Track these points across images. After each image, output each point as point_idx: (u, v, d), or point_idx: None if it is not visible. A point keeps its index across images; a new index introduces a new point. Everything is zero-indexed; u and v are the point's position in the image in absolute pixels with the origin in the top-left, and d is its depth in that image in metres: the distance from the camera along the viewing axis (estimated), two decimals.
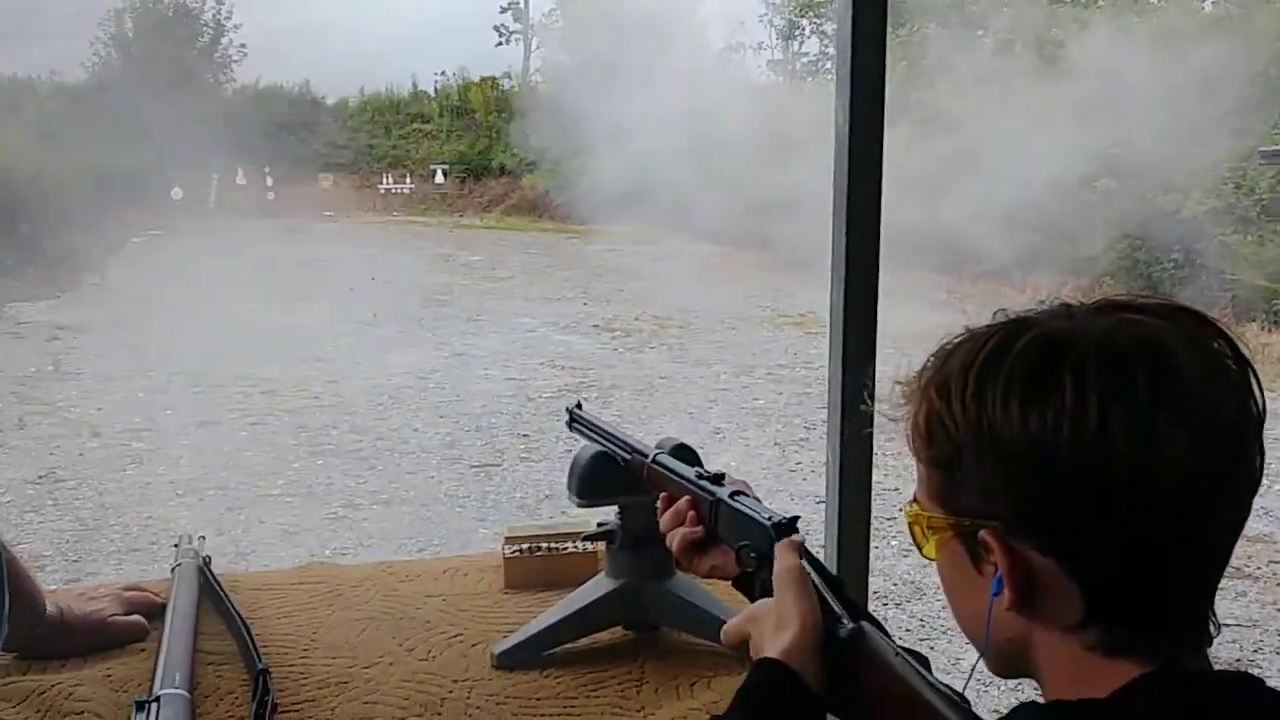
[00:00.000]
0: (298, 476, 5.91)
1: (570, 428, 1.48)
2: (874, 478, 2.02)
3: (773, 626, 0.95)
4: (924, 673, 0.91)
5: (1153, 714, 0.69)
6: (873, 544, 4.83)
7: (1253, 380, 0.74)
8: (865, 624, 0.97)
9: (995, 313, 0.79)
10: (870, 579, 4.62)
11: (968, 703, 0.89)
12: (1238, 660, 3.58)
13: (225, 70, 28.18)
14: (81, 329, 10.05)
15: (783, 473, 6.07)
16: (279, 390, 7.79)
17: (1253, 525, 4.94)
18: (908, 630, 4.13)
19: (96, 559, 4.68)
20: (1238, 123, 11.52)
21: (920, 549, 0.84)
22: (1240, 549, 4.06)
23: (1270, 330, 9.61)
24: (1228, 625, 3.94)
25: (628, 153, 23.25)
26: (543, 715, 1.24)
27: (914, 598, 4.40)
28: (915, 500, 0.82)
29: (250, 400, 7.51)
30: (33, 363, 8.49)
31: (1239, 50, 12.04)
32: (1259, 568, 4.47)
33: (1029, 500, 0.72)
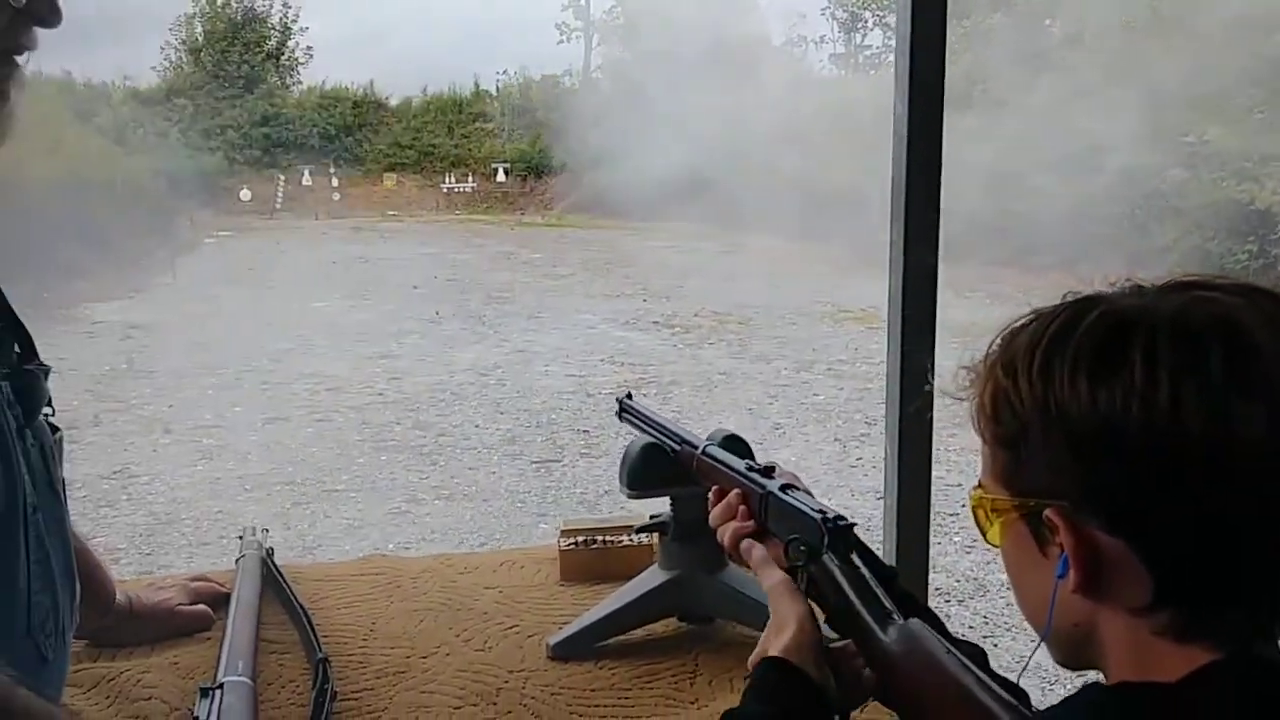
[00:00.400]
0: (361, 472, 5.99)
1: (620, 418, 1.48)
2: (936, 473, 2.01)
3: (772, 632, 0.99)
4: (973, 668, 0.91)
5: (1224, 702, 0.67)
6: (935, 540, 4.78)
7: None
8: (915, 620, 0.96)
9: (1065, 295, 0.77)
10: (933, 575, 4.58)
11: (1025, 695, 0.88)
12: None
13: (292, 73, 28.72)
14: (154, 328, 10.28)
15: (843, 468, 6.02)
16: (344, 387, 7.91)
17: None
18: (970, 627, 4.08)
19: (168, 552, 4.78)
20: None
21: (984, 534, 0.82)
22: None
23: None
24: None
25: (688, 149, 23.25)
26: (597, 706, 1.25)
27: (977, 594, 4.35)
28: (980, 484, 0.81)
29: (316, 397, 7.63)
30: (107, 361, 8.71)
31: None
32: None
33: (1096, 478, 0.71)
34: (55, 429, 1.09)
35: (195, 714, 1.16)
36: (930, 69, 1.97)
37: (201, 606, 1.49)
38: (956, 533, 4.77)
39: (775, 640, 0.96)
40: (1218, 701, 0.67)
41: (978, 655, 1.02)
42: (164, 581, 1.55)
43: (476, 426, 6.93)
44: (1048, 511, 0.74)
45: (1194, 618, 0.70)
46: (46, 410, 1.08)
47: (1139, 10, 14.84)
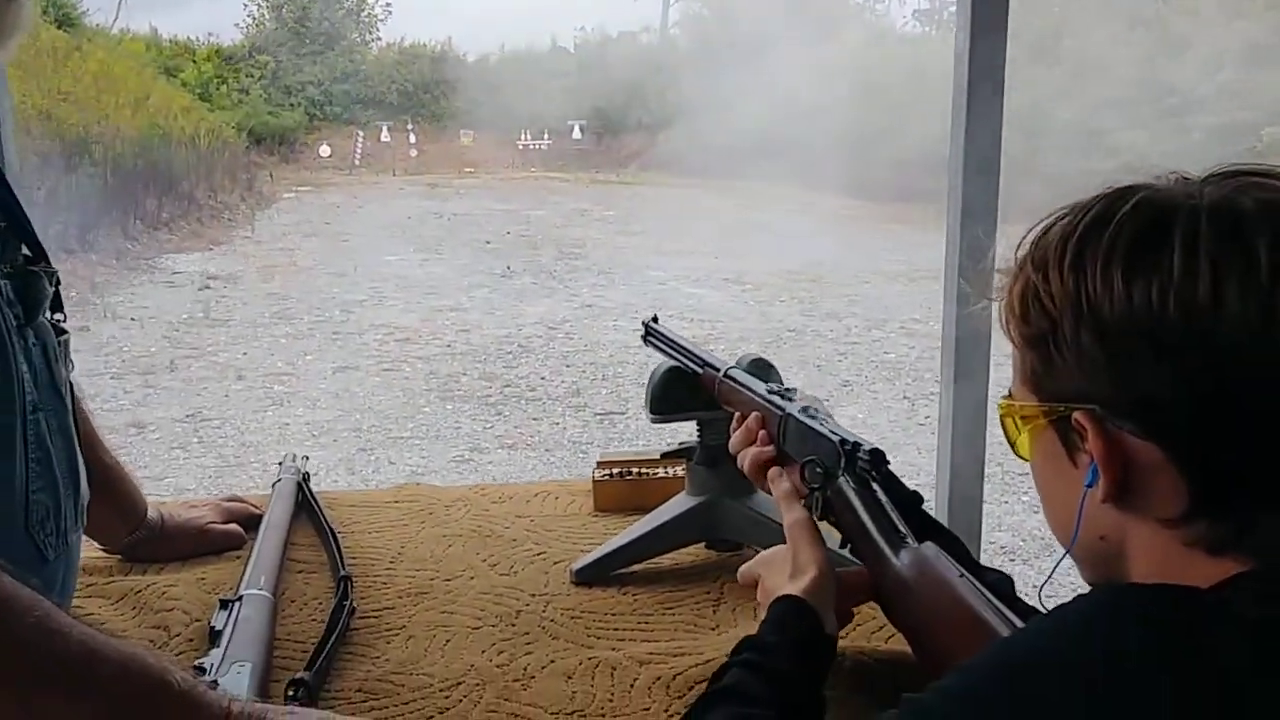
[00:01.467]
0: (427, 420, 6.05)
1: (645, 342, 1.45)
2: (997, 432, 1.95)
3: (790, 573, 0.98)
4: (987, 594, 0.88)
5: (1249, 609, 0.62)
6: (1004, 499, 4.67)
7: None
8: (930, 544, 0.93)
9: (1106, 186, 0.72)
10: (999, 534, 4.47)
11: None
12: None
13: (371, 30, 28.93)
14: (232, 279, 10.48)
15: (911, 425, 5.94)
16: (413, 338, 7.99)
17: None
18: (1034, 586, 3.99)
19: (236, 493, 4.88)
20: None
21: (1013, 446, 0.78)
22: None
23: None
24: None
25: (766, 107, 23.00)
26: (616, 630, 1.23)
27: (1043, 554, 4.25)
28: (1009, 393, 0.77)
29: (385, 347, 7.72)
30: (185, 310, 8.90)
31: None
32: None
33: (1129, 378, 0.66)
34: (62, 331, 1.09)
35: (212, 624, 1.16)
36: (993, 18, 1.92)
37: (233, 525, 1.50)
38: (1025, 492, 4.67)
39: (795, 582, 0.96)
40: (1243, 608, 0.62)
41: (1004, 583, 0.98)
42: (198, 501, 1.56)
43: (542, 379, 6.95)
44: (1077, 415, 0.69)
45: (1230, 528, 0.65)
46: (58, 316, 1.09)
47: None
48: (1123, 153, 12.78)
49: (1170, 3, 14.64)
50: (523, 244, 12.98)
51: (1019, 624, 0.83)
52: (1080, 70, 15.21)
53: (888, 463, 0.99)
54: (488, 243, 13.08)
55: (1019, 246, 0.74)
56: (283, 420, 6.03)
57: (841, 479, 1.01)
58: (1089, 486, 0.70)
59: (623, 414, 5.95)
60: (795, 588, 0.95)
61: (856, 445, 1.00)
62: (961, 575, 0.89)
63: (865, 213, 16.14)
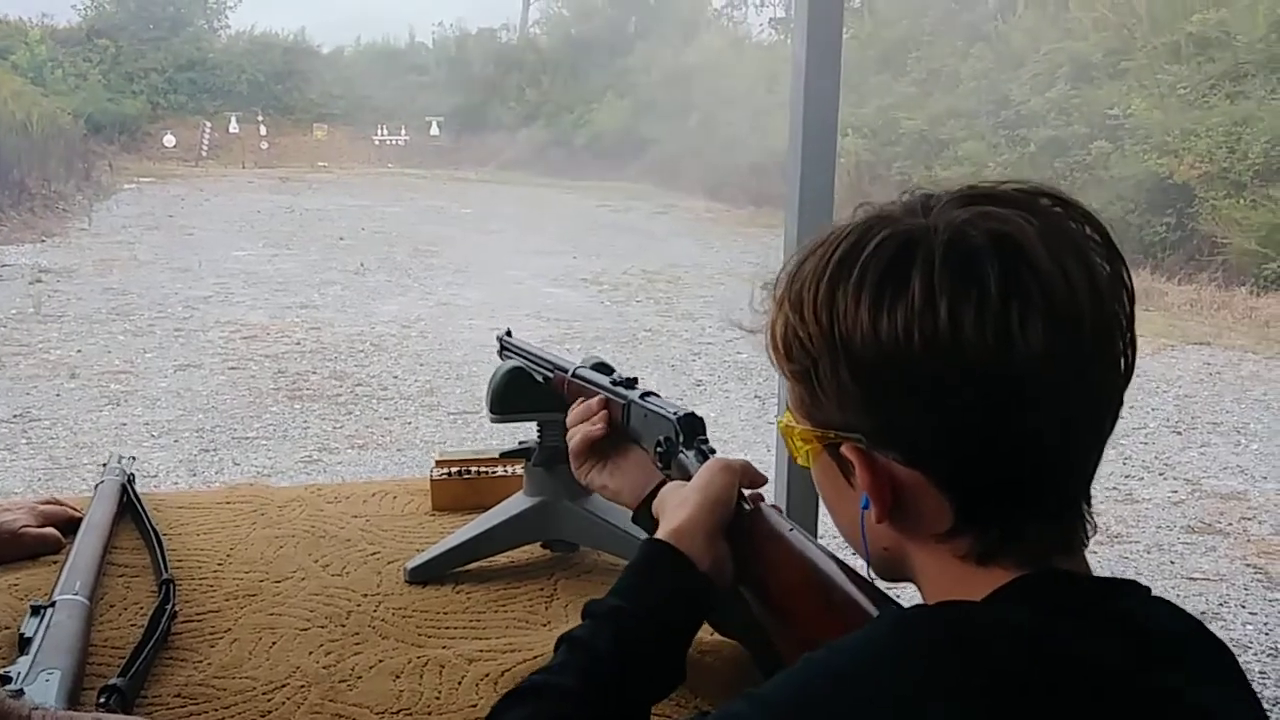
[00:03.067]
0: (274, 420, 5.89)
1: (501, 356, 1.46)
2: None
3: (672, 507, 0.95)
4: (819, 544, 0.90)
5: (1024, 614, 0.67)
6: None
7: (1121, 267, 0.70)
8: (766, 504, 0.96)
9: (856, 208, 0.75)
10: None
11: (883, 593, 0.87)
12: (1203, 612, 3.59)
13: (220, 17, 27.93)
14: (66, 273, 9.99)
15: (761, 424, 6.05)
16: (260, 336, 7.76)
17: (1226, 482, 4.96)
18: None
19: (64, 497, 4.66)
20: (1232, 87, 11.43)
21: (795, 459, 0.81)
22: (1213, 505, 4.04)
23: (1259, 294, 9.57)
24: (1194, 579, 3.95)
25: (624, 108, 23.13)
26: (449, 628, 1.22)
27: None
28: (787, 410, 0.80)
29: (231, 345, 7.48)
30: (14, 305, 8.44)
31: (1237, 13, 11.92)
32: (1229, 524, 4.47)
33: (886, 411, 0.69)
34: None
35: (22, 632, 1.11)
36: (829, 23, 1.97)
37: (49, 529, 1.44)
38: None
39: (669, 519, 0.93)
40: (1014, 615, 0.66)
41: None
42: (10, 503, 1.49)
43: (395, 378, 6.85)
44: (843, 447, 0.73)
45: (994, 540, 0.70)
46: None
47: None
48: (965, 162, 13.30)
49: (1008, 20, 15.30)
50: (377, 241, 12.74)
51: (850, 571, 0.85)
52: (926, 81, 15.78)
53: (704, 429, 1.04)
54: (341, 239, 12.80)
55: (776, 283, 0.76)
56: (119, 420, 5.78)
57: (682, 454, 1.04)
58: (864, 509, 0.73)
59: (476, 414, 5.90)
60: (666, 528, 0.92)
61: (689, 415, 1.04)
62: (792, 529, 0.91)
63: (724, 215, 16.38)
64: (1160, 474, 5.17)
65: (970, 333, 0.65)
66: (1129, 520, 4.58)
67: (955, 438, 0.67)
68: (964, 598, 0.70)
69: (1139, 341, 0.72)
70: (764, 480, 0.97)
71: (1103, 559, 4.15)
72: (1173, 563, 4.10)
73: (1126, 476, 5.13)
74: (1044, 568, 0.69)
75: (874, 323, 0.67)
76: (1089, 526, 0.72)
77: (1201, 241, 10.50)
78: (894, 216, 0.71)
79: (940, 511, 0.70)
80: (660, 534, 0.91)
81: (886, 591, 0.82)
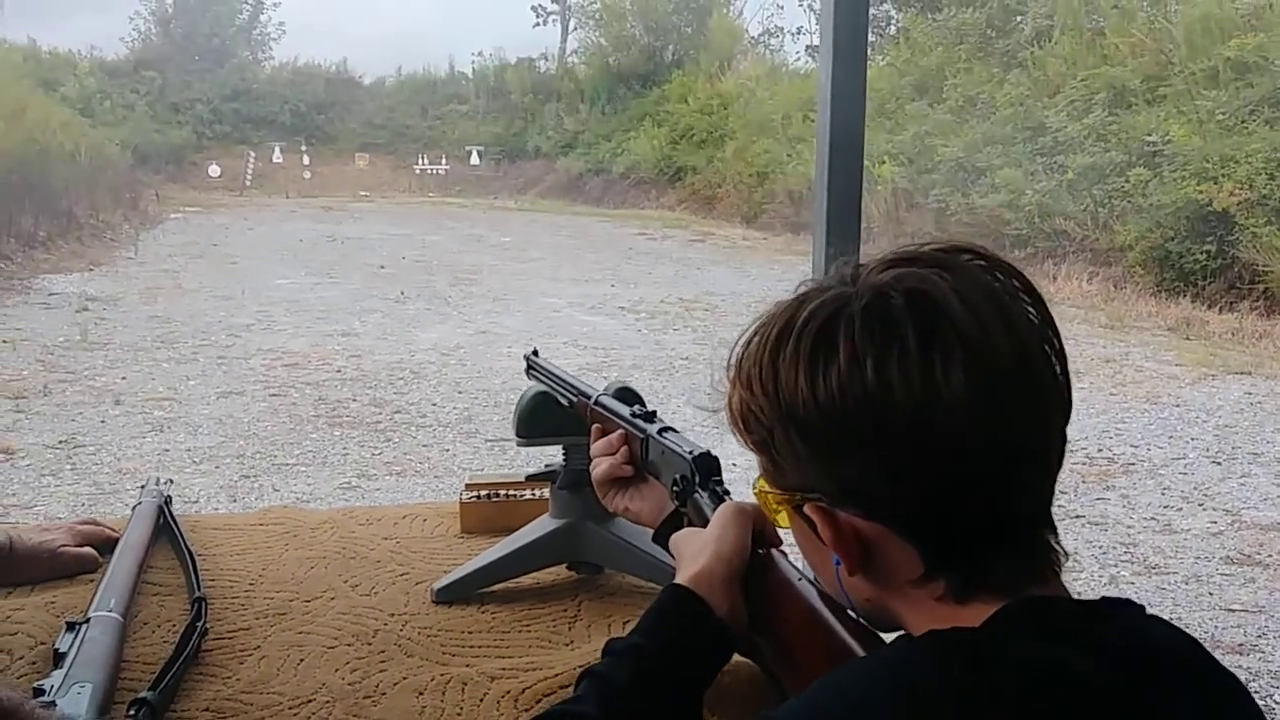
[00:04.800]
0: (314, 447, 5.95)
1: (528, 375, 1.49)
2: None
3: (691, 554, 0.98)
4: (826, 593, 0.92)
5: (1027, 638, 0.68)
6: None
7: (1045, 311, 0.74)
8: (775, 550, 0.98)
9: (798, 285, 0.80)
10: None
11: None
12: (1241, 644, 3.53)
13: (264, 48, 28.51)
14: (112, 301, 10.17)
15: None
16: (302, 363, 7.85)
17: (1266, 513, 4.89)
18: None
19: (112, 517, 4.73)
20: (1271, 112, 11.31)
21: (776, 522, 0.87)
22: (1253, 536, 3.97)
23: None
24: (1233, 610, 3.88)
25: (661, 136, 23.25)
26: (472, 647, 1.24)
27: None
28: (760, 477, 0.84)
29: (273, 372, 7.57)
30: (62, 333, 8.60)
31: (1276, 38, 11.82)
32: (1270, 555, 4.40)
33: (839, 469, 0.74)
34: None
35: (56, 647, 1.14)
36: (853, 52, 2.00)
37: (87, 549, 1.47)
38: None
39: (688, 566, 0.96)
40: (1011, 640, 0.68)
41: None
42: (50, 525, 1.53)
43: (434, 405, 6.90)
44: (806, 507, 0.77)
45: (965, 579, 0.72)
46: None
47: (1105, 8, 14.93)
48: (1001, 189, 13.24)
49: (1044, 47, 15.25)
50: (417, 269, 12.88)
51: (859, 624, 0.87)
52: (962, 109, 15.74)
53: (719, 469, 1.06)
54: (382, 267, 12.95)
55: (729, 358, 0.82)
56: (162, 446, 5.87)
57: (697, 494, 1.06)
58: (838, 564, 0.78)
59: (513, 440, 5.92)
60: (685, 574, 0.94)
61: (704, 455, 1.05)
62: (801, 578, 0.93)
63: (760, 243, 16.41)
64: (1199, 504, 5.11)
65: (898, 386, 0.69)
66: (1167, 551, 4.52)
67: (903, 488, 0.71)
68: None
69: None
70: (773, 527, 0.97)
71: (1140, 590, 4.10)
72: (1211, 594, 4.04)
73: (1165, 507, 5.07)
74: (1021, 597, 0.71)
75: (812, 388, 0.72)
76: (1059, 555, 0.75)
77: (1242, 269, 10.37)
78: (824, 287, 0.77)
79: (909, 559, 0.73)
80: (680, 579, 0.94)
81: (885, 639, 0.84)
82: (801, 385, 0.72)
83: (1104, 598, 0.73)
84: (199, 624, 1.23)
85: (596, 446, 1.20)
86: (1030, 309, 0.73)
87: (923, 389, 0.68)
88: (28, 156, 13.46)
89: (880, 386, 0.69)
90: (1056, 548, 0.74)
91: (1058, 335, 0.74)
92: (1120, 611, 0.72)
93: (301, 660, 1.20)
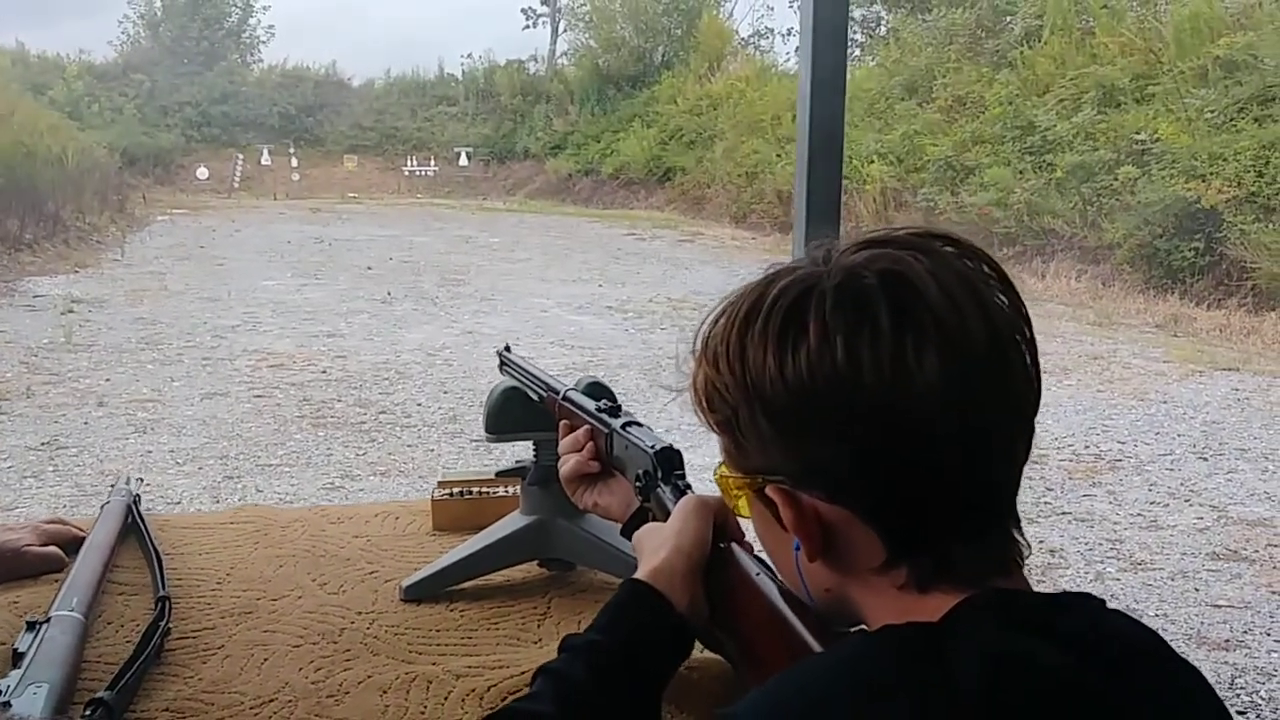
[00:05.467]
0: (298, 447, 5.92)
1: (501, 370, 1.48)
2: None
3: (651, 548, 0.96)
4: (787, 588, 0.90)
5: (990, 631, 0.67)
6: None
7: (1017, 298, 0.72)
8: (735, 544, 0.96)
9: (767, 268, 0.78)
10: None
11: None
12: (1227, 640, 3.53)
13: (253, 51, 28.46)
14: (98, 303, 10.12)
15: None
16: (287, 364, 7.82)
17: (1253, 509, 4.89)
18: None
19: (77, 518, 4.70)
20: (1260, 110, 11.34)
21: (735, 509, 0.85)
22: (1239, 532, 3.97)
23: None
24: (1219, 606, 3.88)
25: (650, 137, 23.25)
26: (440, 645, 1.23)
27: None
28: (721, 463, 0.82)
29: (257, 373, 7.54)
30: (46, 335, 8.55)
31: (1265, 37, 11.85)
32: (1256, 551, 4.40)
33: (803, 450, 0.72)
34: None
35: (16, 647, 1.12)
36: (832, 47, 1.99)
37: (52, 548, 1.45)
38: None
39: (647, 560, 0.94)
40: (972, 631, 0.67)
41: None
42: (15, 524, 1.51)
43: (419, 405, 6.87)
44: (768, 489, 0.75)
45: (928, 567, 0.71)
46: None
47: (1095, 8, 14.97)
48: (990, 188, 13.26)
49: (1033, 47, 15.28)
50: (405, 270, 12.85)
51: (815, 620, 0.85)
52: (951, 108, 15.76)
53: (681, 464, 1.04)
54: (369, 268, 12.92)
55: (695, 338, 0.80)
56: (145, 448, 5.83)
57: (659, 488, 1.05)
58: (797, 550, 0.75)
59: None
60: (644, 569, 0.92)
61: (666, 449, 1.04)
62: (759, 573, 0.92)
63: (749, 243, 16.41)
64: (1186, 500, 5.11)
65: (868, 368, 0.67)
66: (1153, 547, 4.52)
67: (870, 471, 0.69)
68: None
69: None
70: (735, 521, 0.95)
71: (1126, 586, 4.09)
72: (1197, 590, 4.03)
73: (1151, 503, 5.07)
74: (985, 588, 0.70)
75: (780, 366, 0.70)
76: (1022, 547, 0.73)
77: (1230, 266, 10.40)
78: (794, 267, 0.75)
79: (871, 545, 0.72)
80: (639, 574, 0.92)
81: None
82: (769, 363, 0.71)
83: (1064, 591, 0.72)
84: (161, 623, 1.21)
85: (564, 443, 1.18)
86: (1002, 296, 0.72)
87: (893, 371, 0.67)
88: (14, 160, 13.41)
89: (850, 366, 0.67)
90: (1020, 540, 0.73)
91: (1029, 324, 0.72)
92: (1082, 604, 0.71)
93: (265, 659, 1.18)
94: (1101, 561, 4.38)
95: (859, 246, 0.74)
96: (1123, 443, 6.03)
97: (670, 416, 6.63)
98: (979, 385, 0.68)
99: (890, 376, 0.67)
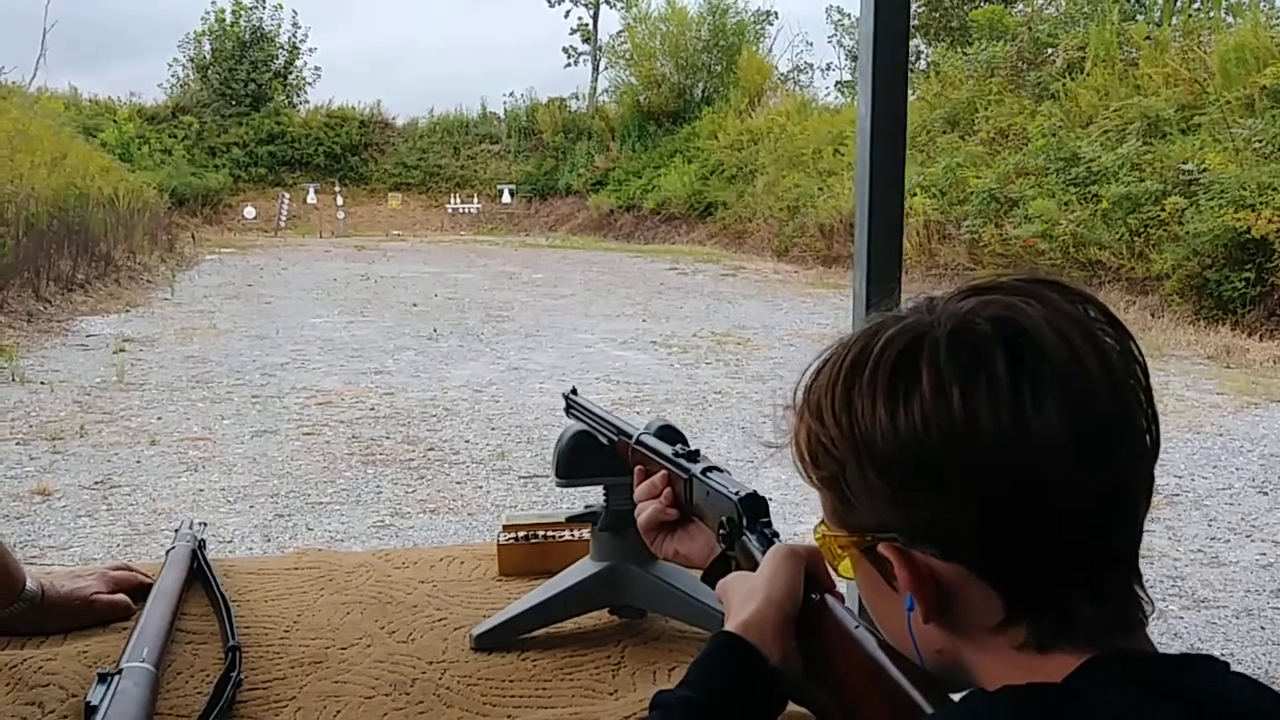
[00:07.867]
0: (348, 485, 5.94)
1: (567, 414, 1.46)
2: None
3: (740, 599, 0.93)
4: (886, 641, 0.87)
5: (1116, 693, 0.64)
6: None
7: (1131, 344, 0.70)
8: (829, 596, 0.93)
9: (869, 317, 0.76)
10: None
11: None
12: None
13: (299, 92, 28.90)
14: (149, 342, 10.26)
15: None
16: (335, 402, 7.87)
17: None
18: None
19: (145, 562, 4.73)
20: None
21: (836, 569, 0.81)
22: None
23: None
24: None
25: (692, 172, 23.35)
26: (514, 696, 1.20)
27: None
28: (822, 521, 0.79)
29: (306, 411, 7.59)
30: (99, 373, 8.67)
31: None
32: None
33: (916, 505, 0.69)
34: None
35: (88, 700, 1.11)
36: (892, 87, 1.97)
37: (120, 596, 1.44)
38: None
39: (738, 612, 0.91)
40: (1101, 693, 0.64)
41: None
42: (83, 570, 1.51)
43: (467, 441, 6.88)
44: (880, 547, 0.72)
45: (1049, 626, 0.68)
46: None
47: (1138, 39, 14.87)
48: (1035, 220, 13.15)
49: (1076, 79, 15.19)
50: (450, 306, 12.93)
51: (920, 675, 0.82)
52: (994, 140, 15.69)
53: (767, 510, 1.01)
54: (414, 305, 13.01)
55: (795, 391, 0.77)
56: (197, 486, 5.87)
57: (745, 536, 1.02)
58: (910, 610, 0.72)
59: (546, 477, 5.89)
60: (735, 620, 0.89)
61: (751, 496, 1.01)
62: (858, 625, 0.89)
63: (792, 277, 16.38)
64: (1247, 535, 4.99)
65: (986, 417, 0.65)
66: (1215, 584, 4.41)
67: (987, 525, 0.66)
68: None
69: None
70: (827, 570, 0.92)
71: (1189, 625, 3.99)
72: (1263, 628, 3.93)
73: (1212, 539, 4.95)
74: (1109, 649, 0.67)
75: (892, 418, 0.67)
76: (1145, 604, 0.70)
77: None
78: (900, 316, 0.72)
79: (988, 603, 0.69)
80: (729, 626, 0.89)
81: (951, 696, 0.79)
82: (880, 415, 0.68)
83: (1186, 653, 0.69)
84: (233, 674, 1.20)
85: (640, 490, 1.15)
86: (1112, 340, 0.69)
87: (1013, 421, 0.64)
88: (68, 202, 13.66)
89: (966, 418, 0.65)
90: (1143, 596, 0.69)
91: (1145, 369, 0.70)
92: (1207, 667, 0.67)
93: (338, 711, 1.17)
94: (1163, 599, 4.27)
95: (965, 294, 0.72)
96: (1179, 477, 5.90)
97: (718, 451, 6.59)
98: (1099, 435, 0.65)
99: (1010, 426, 0.64)
